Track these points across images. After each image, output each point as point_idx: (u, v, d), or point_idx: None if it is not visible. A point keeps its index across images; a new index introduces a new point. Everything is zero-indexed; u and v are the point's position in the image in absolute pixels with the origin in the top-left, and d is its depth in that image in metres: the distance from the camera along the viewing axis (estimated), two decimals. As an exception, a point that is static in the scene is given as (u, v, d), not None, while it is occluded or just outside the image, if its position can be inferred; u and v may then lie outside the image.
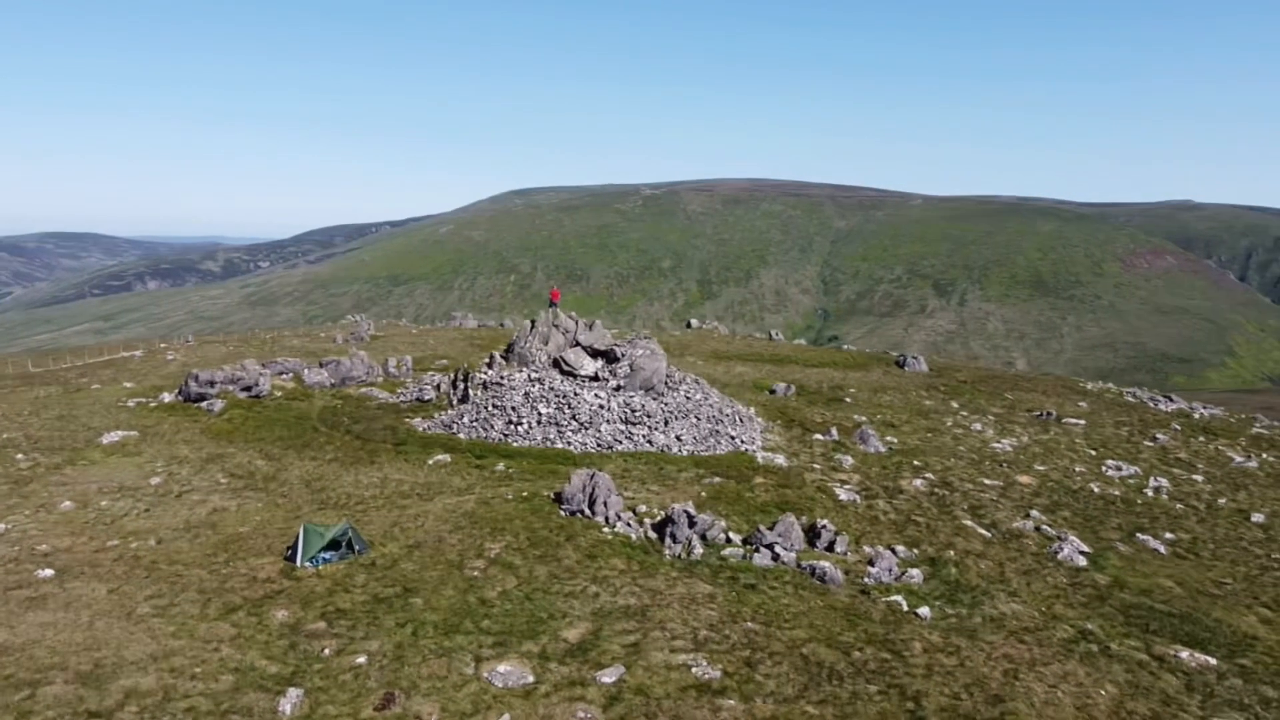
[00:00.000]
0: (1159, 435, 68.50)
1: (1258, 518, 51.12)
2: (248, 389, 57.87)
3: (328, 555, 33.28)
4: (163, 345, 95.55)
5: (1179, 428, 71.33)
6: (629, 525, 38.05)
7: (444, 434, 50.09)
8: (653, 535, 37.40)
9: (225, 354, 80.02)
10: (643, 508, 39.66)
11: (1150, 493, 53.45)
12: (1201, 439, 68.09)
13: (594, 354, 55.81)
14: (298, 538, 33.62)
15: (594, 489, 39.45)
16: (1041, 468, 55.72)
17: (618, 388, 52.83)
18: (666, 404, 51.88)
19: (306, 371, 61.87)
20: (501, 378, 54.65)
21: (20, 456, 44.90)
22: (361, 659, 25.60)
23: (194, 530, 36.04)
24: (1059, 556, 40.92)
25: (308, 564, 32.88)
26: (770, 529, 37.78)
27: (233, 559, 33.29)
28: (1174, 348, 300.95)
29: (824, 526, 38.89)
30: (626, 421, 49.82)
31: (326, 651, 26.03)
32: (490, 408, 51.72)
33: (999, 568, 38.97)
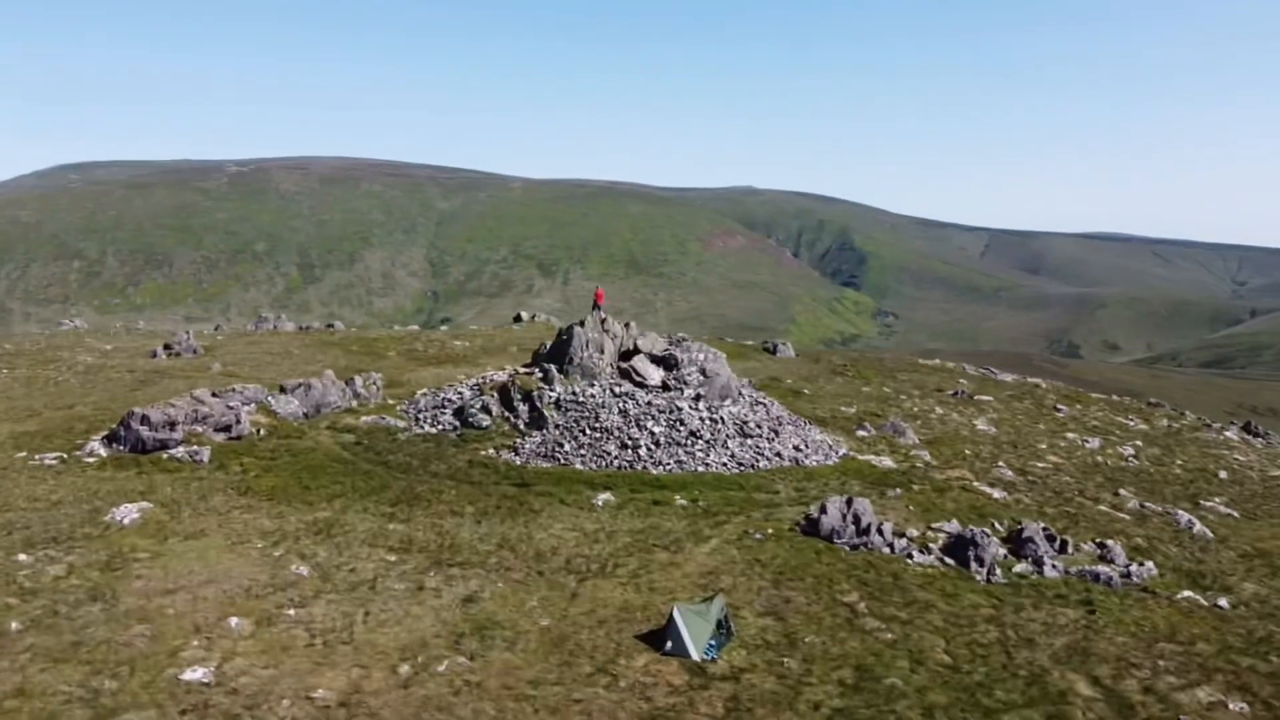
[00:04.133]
0: (1061, 407, 77.08)
1: (1223, 474, 59.50)
2: (224, 429, 44.00)
3: (714, 641, 26.31)
4: None
5: (1055, 398, 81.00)
6: (922, 551, 34.64)
7: (554, 466, 42.00)
8: (949, 560, 34.36)
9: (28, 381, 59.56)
10: (913, 531, 36.29)
11: (1130, 461, 59.79)
12: (1080, 406, 77.83)
13: (655, 361, 50.02)
14: (672, 623, 26.21)
15: (857, 514, 35.38)
16: (1042, 446, 59.89)
17: (698, 396, 47.85)
18: (757, 412, 48.04)
19: (272, 400, 48.30)
20: (574, 394, 46.94)
21: (24, 558, 30.09)
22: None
23: (482, 633, 26.64)
24: (1194, 531, 44.19)
25: (707, 655, 25.75)
26: (1011, 538, 36.50)
27: (588, 665, 25.14)
28: (749, 318, 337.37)
29: (1041, 529, 38.18)
30: (743, 435, 45.34)
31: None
32: (586, 430, 44.26)
33: (1177, 547, 41.18)
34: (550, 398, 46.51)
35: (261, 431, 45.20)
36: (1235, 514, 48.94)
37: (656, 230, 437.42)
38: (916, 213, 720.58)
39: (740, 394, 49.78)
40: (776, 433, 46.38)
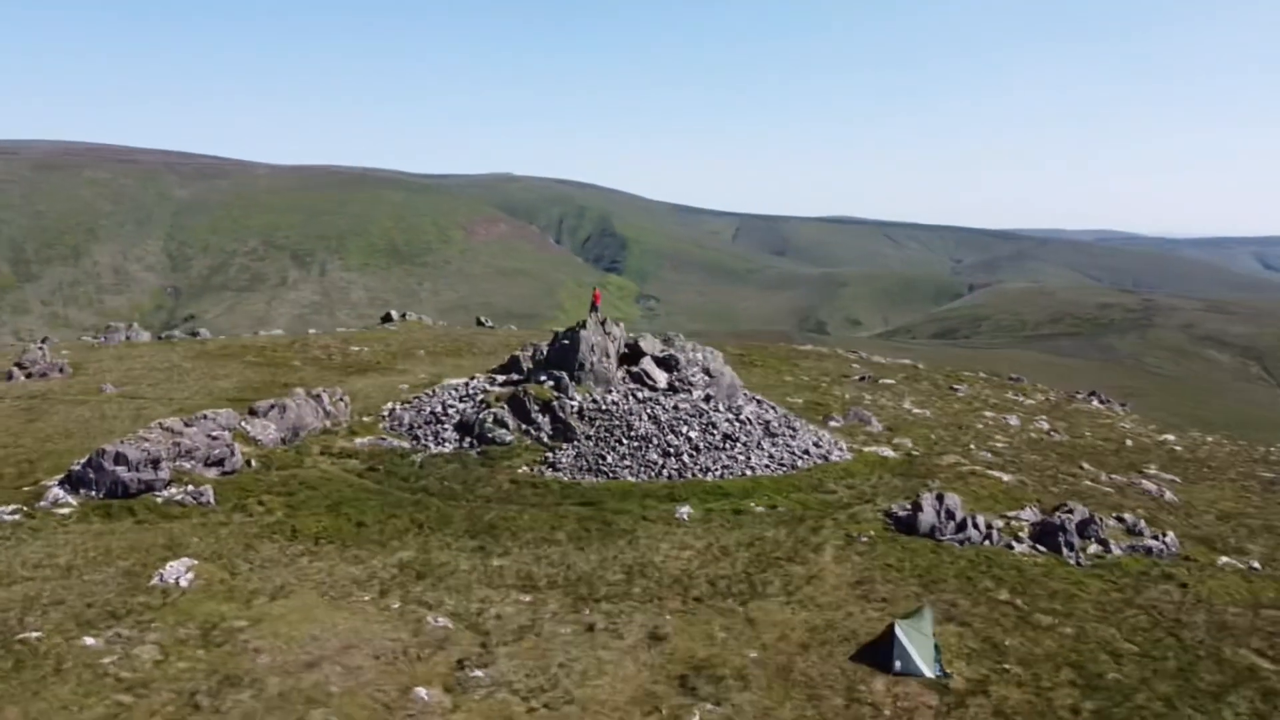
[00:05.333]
0: (956, 387, 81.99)
1: (1129, 442, 65.55)
2: (216, 464, 37.84)
3: (936, 655, 25.62)
4: None
5: (941, 378, 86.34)
6: (1016, 541, 35.51)
7: (604, 480, 39.42)
8: (1040, 547, 35.48)
9: None
10: (999, 522, 37.04)
11: (1052, 435, 64.61)
12: (969, 386, 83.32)
13: (657, 362, 48.24)
14: (897, 642, 25.24)
15: (950, 510, 35.78)
16: (979, 426, 63.39)
17: (708, 397, 46.73)
18: (766, 410, 47.62)
19: (247, 425, 41.88)
20: (595, 402, 44.27)
21: (92, 641, 24.38)
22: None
23: (701, 674, 24.41)
24: (1166, 499, 48.36)
25: (938, 672, 24.99)
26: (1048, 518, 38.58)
27: (835, 696, 23.86)
28: (517, 305, 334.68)
29: (1074, 508, 40.34)
30: (769, 434, 44.73)
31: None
32: (623, 439, 41.93)
33: (1171, 516, 44.93)
34: (572, 407, 43.68)
35: (253, 463, 39.39)
36: (1178, 479, 53.99)
37: (418, 218, 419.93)
38: (672, 199, 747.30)
39: (743, 392, 49.08)
40: (794, 431, 46.11)
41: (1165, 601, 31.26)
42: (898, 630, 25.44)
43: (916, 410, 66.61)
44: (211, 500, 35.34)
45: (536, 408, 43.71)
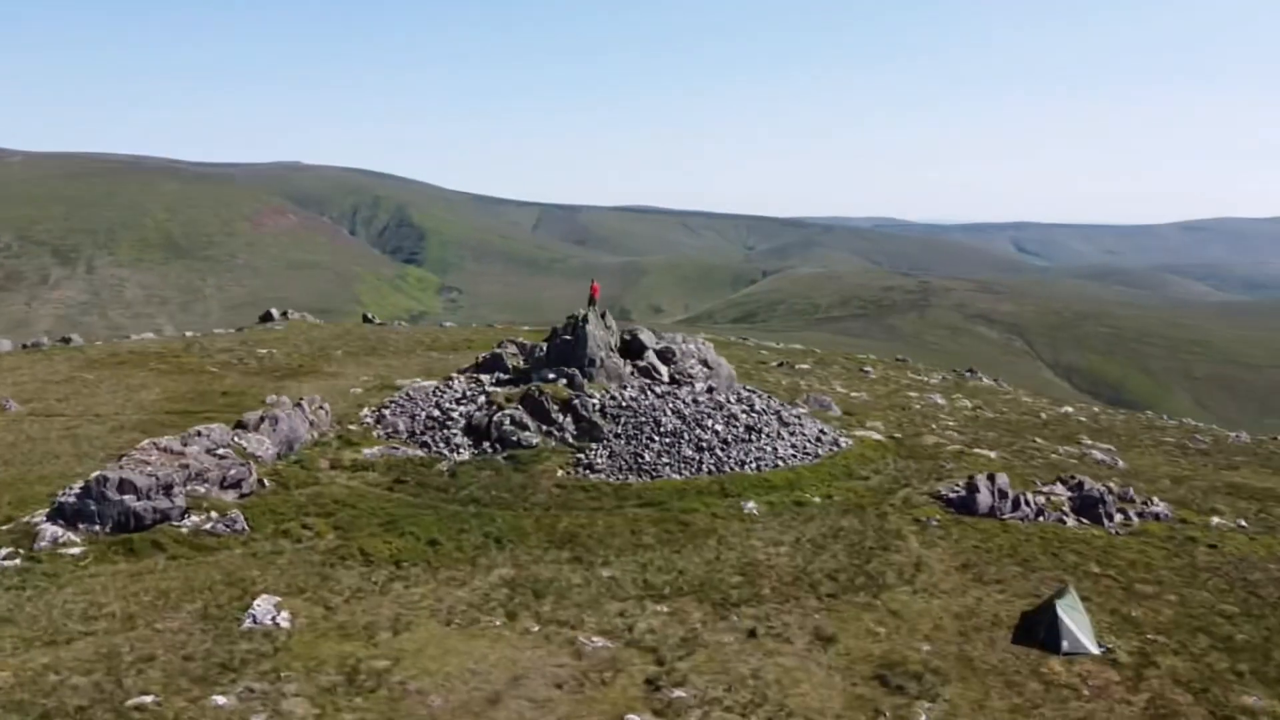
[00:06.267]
0: (867, 369, 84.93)
1: (1043, 415, 70.00)
2: (233, 486, 33.41)
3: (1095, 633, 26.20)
4: None
5: (848, 361, 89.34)
6: (1063, 515, 36.95)
7: (651, 480, 37.89)
8: (1084, 519, 37.13)
9: None
10: (1040, 499, 38.35)
11: (981, 412, 68.11)
12: (880, 367, 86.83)
13: (657, 355, 47.03)
14: (1060, 622, 25.64)
15: (1001, 490, 36.86)
16: (917, 407, 65.75)
17: (710, 389, 46.08)
18: (769, 400, 47.50)
19: (242, 440, 37.08)
20: (614, 399, 42.44)
21: (224, 700, 20.89)
22: None
23: (898, 673, 23.79)
24: (1120, 466, 51.97)
25: (1103, 648, 25.55)
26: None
27: (1032, 681, 23.89)
28: (313, 299, 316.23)
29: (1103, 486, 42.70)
30: (783, 424, 44.56)
31: None
32: (654, 436, 40.45)
33: (1140, 482, 48.31)
34: (593, 405, 41.72)
35: (266, 482, 35.19)
36: (1112, 448, 58.11)
37: (197, 210, 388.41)
38: (471, 189, 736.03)
39: (738, 382, 48.70)
40: (801, 420, 46.15)
41: (1216, 563, 33.38)
42: (1060, 612, 25.79)
43: (854, 394, 68.44)
44: (246, 527, 31.29)
45: (556, 408, 41.48)
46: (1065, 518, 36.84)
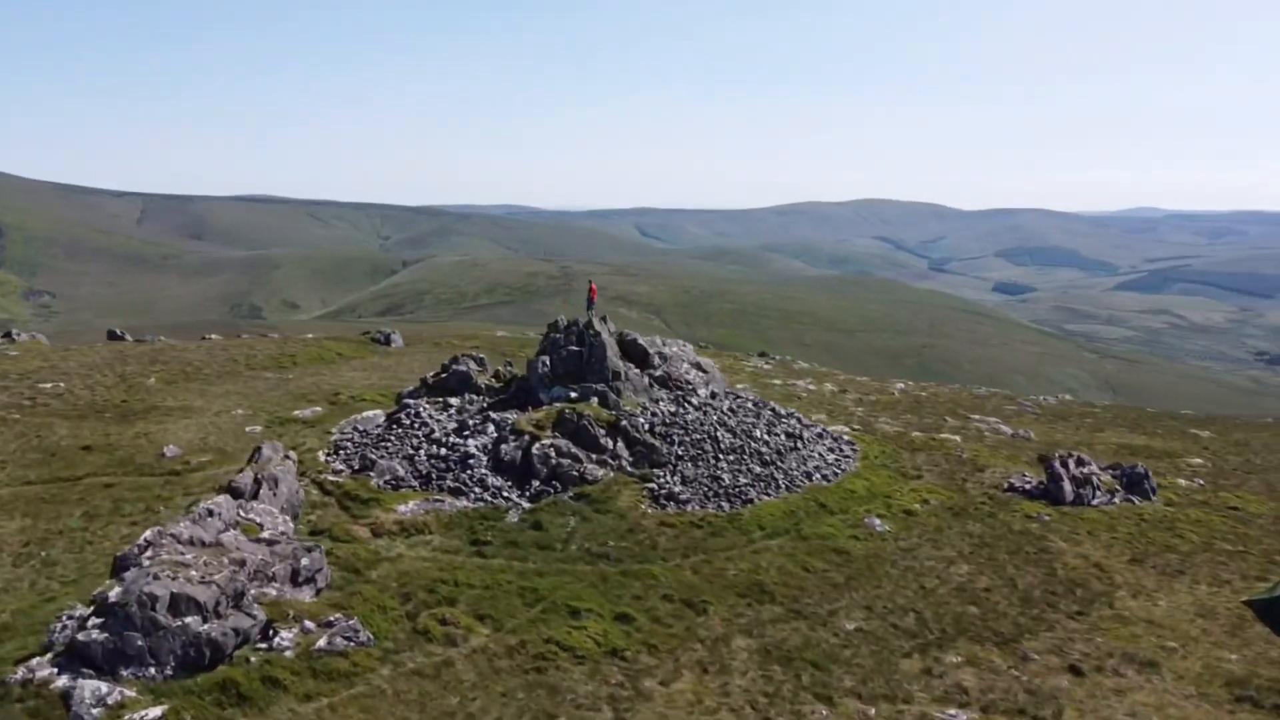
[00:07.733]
0: (767, 365, 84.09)
1: (923, 395, 73.26)
2: (308, 581, 24.31)
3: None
4: None
5: (755, 358, 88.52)
6: (1125, 497, 37.89)
7: (741, 508, 33.47)
8: (1132, 497, 38.36)
9: None
10: (1096, 481, 38.87)
11: (852, 396, 69.84)
12: (776, 361, 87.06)
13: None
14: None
15: (1075, 475, 37.14)
16: (848, 399, 65.72)
17: (713, 394, 42.48)
18: (759, 401, 44.84)
19: (250, 515, 26.92)
20: (657, 415, 37.06)
21: None
22: None
23: (1205, 689, 22.30)
24: (1030, 439, 55.43)
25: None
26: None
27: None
28: None
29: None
30: (805, 426, 42.09)
31: None
32: (719, 455, 35.91)
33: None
34: (643, 425, 36.22)
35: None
36: (998, 420, 61.94)
37: None
38: (55, 177, 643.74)
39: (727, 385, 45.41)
40: (802, 419, 43.88)
41: (1258, 523, 35.77)
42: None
43: (801, 389, 67.67)
44: (369, 637, 23.06)
45: (603, 431, 35.49)
46: (1130, 498, 37.78)
